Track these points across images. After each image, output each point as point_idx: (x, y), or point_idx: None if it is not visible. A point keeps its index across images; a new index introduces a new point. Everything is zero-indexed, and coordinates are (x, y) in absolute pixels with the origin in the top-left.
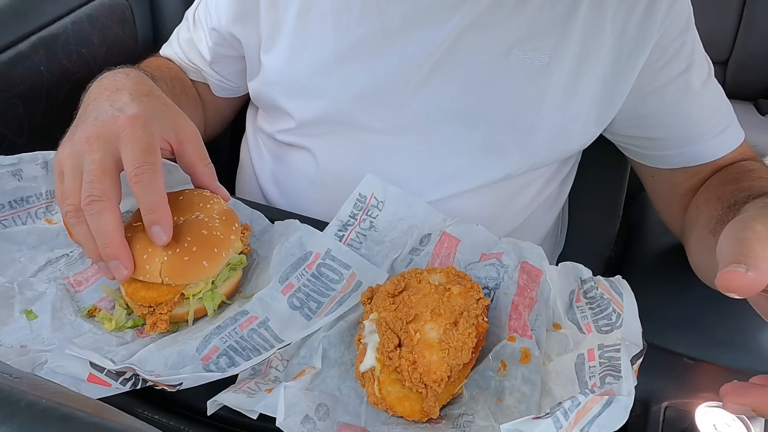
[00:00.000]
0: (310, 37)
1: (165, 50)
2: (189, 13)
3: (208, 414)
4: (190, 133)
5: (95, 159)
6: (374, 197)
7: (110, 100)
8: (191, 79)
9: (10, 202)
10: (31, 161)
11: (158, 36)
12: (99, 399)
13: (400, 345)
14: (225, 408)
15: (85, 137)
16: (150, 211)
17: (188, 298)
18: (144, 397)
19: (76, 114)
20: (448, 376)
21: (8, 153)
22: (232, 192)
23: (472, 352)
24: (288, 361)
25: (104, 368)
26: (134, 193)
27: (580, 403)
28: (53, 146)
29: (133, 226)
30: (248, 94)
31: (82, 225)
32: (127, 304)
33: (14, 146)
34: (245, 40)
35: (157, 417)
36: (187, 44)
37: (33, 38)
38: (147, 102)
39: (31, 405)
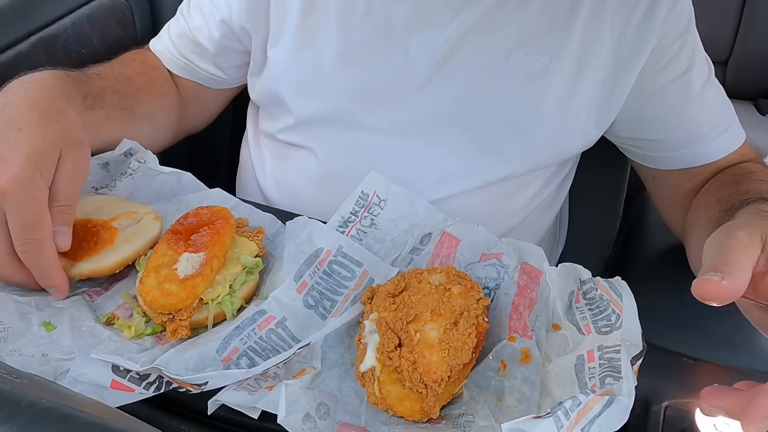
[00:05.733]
0: (314, 33)
1: (154, 43)
2: (183, 6)
3: (209, 413)
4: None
5: None
6: (377, 195)
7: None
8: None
9: None
10: None
11: None
12: (121, 405)
13: (400, 345)
14: (225, 408)
15: None
16: (44, 280)
17: (207, 303)
18: (145, 398)
19: None
20: (448, 376)
21: None
22: (233, 192)
23: (472, 352)
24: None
25: (127, 373)
26: (25, 263)
27: (581, 403)
28: None
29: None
30: (237, 89)
31: None
32: (144, 312)
33: None
34: (255, 34)
35: (157, 417)
36: (179, 38)
37: (33, 38)
38: (35, 137)
39: (32, 405)
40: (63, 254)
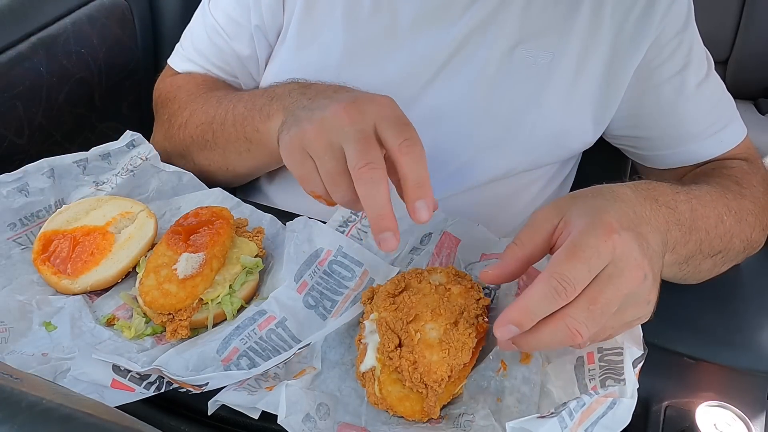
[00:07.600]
0: (319, 30)
1: (185, 65)
2: (216, 26)
3: (209, 414)
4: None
5: (361, 129)
6: None
7: (324, 92)
8: None
9: (20, 219)
10: (37, 171)
11: (158, 36)
12: (121, 405)
13: (400, 345)
14: (225, 408)
15: (342, 108)
16: (379, 220)
17: (207, 303)
18: (145, 398)
19: (74, 113)
20: (449, 376)
21: (8, 153)
22: (233, 191)
23: (472, 352)
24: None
25: (128, 373)
26: (360, 193)
27: (585, 404)
28: (53, 146)
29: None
30: None
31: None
32: (144, 312)
33: (14, 146)
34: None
35: (157, 417)
36: (218, 55)
37: (33, 38)
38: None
39: (32, 405)
40: (65, 272)
